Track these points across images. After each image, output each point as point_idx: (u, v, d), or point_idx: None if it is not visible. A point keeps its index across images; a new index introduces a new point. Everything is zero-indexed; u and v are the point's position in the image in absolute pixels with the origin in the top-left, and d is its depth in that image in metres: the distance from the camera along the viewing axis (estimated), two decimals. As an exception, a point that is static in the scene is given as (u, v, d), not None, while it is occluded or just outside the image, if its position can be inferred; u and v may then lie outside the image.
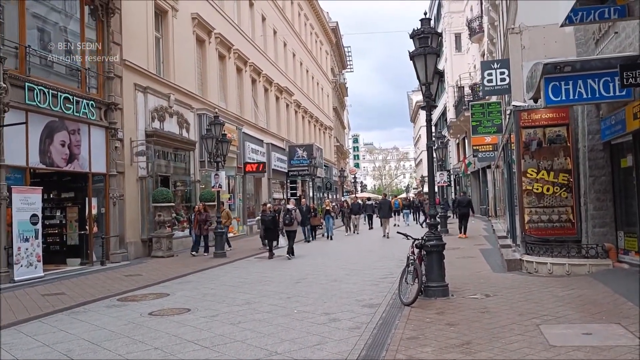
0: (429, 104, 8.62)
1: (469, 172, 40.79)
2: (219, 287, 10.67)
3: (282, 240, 16.60)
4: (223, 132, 17.74)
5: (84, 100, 14.23)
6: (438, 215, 30.45)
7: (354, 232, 26.08)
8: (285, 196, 33.53)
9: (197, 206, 18.40)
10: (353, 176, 64.81)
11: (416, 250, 8.64)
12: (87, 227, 14.76)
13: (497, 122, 15.72)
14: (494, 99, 17.77)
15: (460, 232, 20.45)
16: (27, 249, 11.86)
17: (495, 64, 11.71)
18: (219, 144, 17.12)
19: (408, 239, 8.79)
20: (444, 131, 51.33)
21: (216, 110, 22.19)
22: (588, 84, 7.66)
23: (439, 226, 8.87)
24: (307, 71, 43.53)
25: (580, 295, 8.10)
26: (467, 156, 40.34)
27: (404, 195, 78.32)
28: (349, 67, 71.91)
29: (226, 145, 17.48)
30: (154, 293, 10.25)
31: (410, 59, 8.46)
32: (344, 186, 56.30)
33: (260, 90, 30.45)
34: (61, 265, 14.52)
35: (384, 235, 22.49)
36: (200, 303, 8.96)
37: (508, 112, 11.04)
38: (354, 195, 39.60)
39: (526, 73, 10.20)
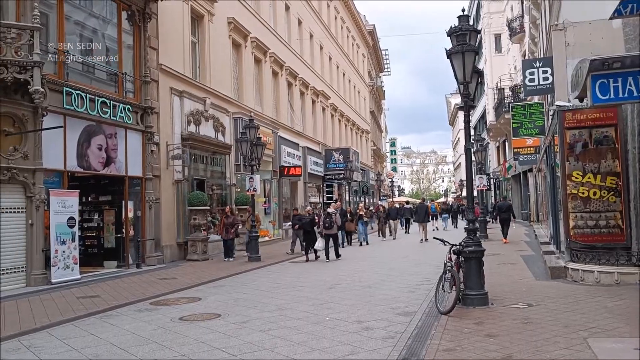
0: (467, 104, 8.26)
1: (509, 176, 39.74)
2: (251, 292, 10.53)
3: (320, 243, 16.68)
4: (258, 136, 17.68)
5: (121, 105, 14.36)
6: (476, 220, 30.11)
7: (392, 238, 25.16)
8: (321, 200, 33.36)
9: (227, 208, 17.98)
10: (390, 180, 64.19)
11: (454, 257, 8.29)
12: (123, 230, 14.87)
13: (539, 123, 15.11)
14: (535, 99, 17.17)
15: (504, 238, 20.02)
16: (64, 252, 12.00)
17: (538, 62, 11.19)
18: (254, 148, 17.05)
19: (445, 244, 8.45)
20: (483, 134, 50.37)
21: (252, 113, 22.19)
22: (639, 81, 7.17)
23: (477, 231, 8.49)
24: (344, 74, 43.31)
25: (630, 306, 7.59)
26: (507, 159, 39.33)
27: (442, 199, 77.24)
28: (386, 70, 71.44)
29: (261, 149, 17.40)
30: (186, 297, 10.18)
31: (447, 57, 8.14)
32: (381, 190, 55.74)
33: (296, 94, 30.40)
34: (98, 267, 14.70)
35: (422, 240, 22.33)
36: (231, 308, 8.82)
37: (551, 112, 10.55)
38: (390, 199, 39.09)
39: (570, 71, 9.73)
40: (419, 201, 28.33)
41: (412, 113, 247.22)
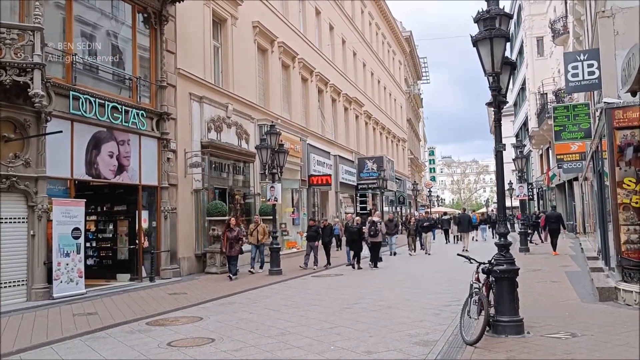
0: (497, 99, 7.13)
1: (553, 185, 37.72)
2: (259, 312, 9.57)
3: (366, 251, 17.75)
4: (280, 142, 16.82)
5: (134, 110, 13.74)
6: (517, 232, 28.51)
7: (426, 252, 21.80)
8: (355, 210, 32.26)
9: (231, 219, 15.12)
10: (428, 190, 62.49)
11: (482, 277, 7.14)
12: (137, 242, 14.19)
13: (584, 126, 13.69)
14: (580, 98, 15.75)
15: (554, 250, 18.62)
16: (67, 264, 11.34)
17: (582, 55, 9.85)
18: (275, 155, 16.18)
19: (471, 262, 7.29)
20: (525, 141, 48.27)
21: (278, 120, 21.41)
22: None
23: (510, 247, 7.32)
24: (379, 81, 42.23)
25: (699, 339, 6.29)
26: (550, 168, 37.36)
27: (483, 209, 74.78)
28: (424, 78, 69.93)
29: (283, 156, 16.52)
30: (187, 316, 9.31)
31: (474, 45, 7.04)
32: (418, 200, 54.16)
33: (327, 101, 29.52)
34: (111, 280, 14.06)
35: (464, 249, 21.87)
36: (229, 332, 7.87)
37: (598, 111, 9.27)
38: (424, 210, 37.76)
39: (620, 63, 8.47)
40: (460, 211, 27.63)
41: (452, 122, 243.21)
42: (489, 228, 33.61)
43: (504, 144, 7.42)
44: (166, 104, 15.02)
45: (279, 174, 16.61)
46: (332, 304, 10.08)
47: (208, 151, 16.84)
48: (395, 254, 20.88)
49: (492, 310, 6.97)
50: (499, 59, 6.87)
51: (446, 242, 30.05)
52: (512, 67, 7.65)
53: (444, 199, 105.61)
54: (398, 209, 43.05)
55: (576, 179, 30.43)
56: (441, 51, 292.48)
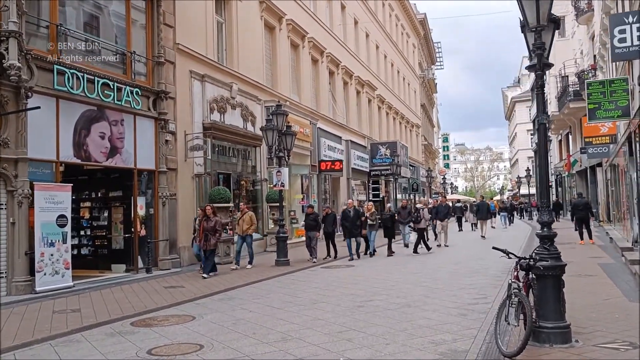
0: (541, 59, 5.91)
1: (573, 172, 36.22)
2: (259, 310, 8.48)
3: (412, 237, 17.95)
4: (287, 124, 15.67)
5: (128, 87, 12.64)
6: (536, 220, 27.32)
7: (444, 244, 19.57)
8: (367, 197, 31.07)
9: (207, 207, 12.91)
10: (442, 177, 61.03)
11: (521, 274, 5.98)
12: (132, 230, 13.17)
13: (622, 103, 12.37)
14: (609, 74, 14.40)
15: (581, 239, 17.53)
16: (52, 255, 10.33)
17: (631, 17, 8.55)
18: (282, 137, 15.04)
19: (509, 257, 6.11)
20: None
21: (287, 102, 20.25)
22: None
23: (555, 239, 6.14)
24: (392, 65, 40.77)
25: None
26: (572, 154, 35.87)
27: (497, 197, 73.17)
28: (438, 63, 68.15)
29: (291, 139, 15.36)
30: (178, 315, 8.24)
31: (514, -4, 5.82)
32: (432, 187, 52.77)
33: (338, 84, 28.25)
34: (105, 271, 13.11)
35: (482, 236, 22.50)
36: (222, 336, 6.79)
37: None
38: (439, 197, 36.47)
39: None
40: (479, 199, 26.94)
41: (466, 109, 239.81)
42: (508, 215, 33.33)
43: (547, 115, 6.20)
44: (164, 82, 13.92)
45: (286, 157, 15.48)
46: (342, 301, 8.96)
47: (210, 133, 15.74)
48: (408, 245, 19.40)
49: (533, 314, 5.81)
50: (545, 9, 5.65)
51: (459, 230, 29.22)
52: (555, 25, 6.40)
53: (457, 187, 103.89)
54: (411, 196, 41.72)
55: (599, 164, 29.02)
56: (455, 38, 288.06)
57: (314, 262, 15.04)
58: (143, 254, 13.17)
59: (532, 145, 62.56)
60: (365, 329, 6.89)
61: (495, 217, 31.77)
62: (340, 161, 24.95)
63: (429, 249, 17.47)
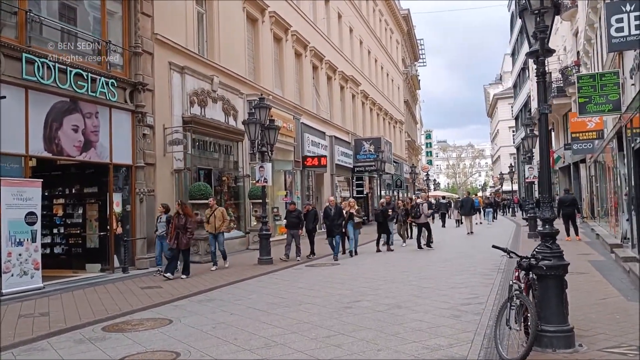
0: (544, 45, 5.53)
1: (556, 168, 36.25)
2: (241, 312, 8.00)
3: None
4: (271, 118, 15.18)
5: (103, 78, 12.03)
6: (526, 216, 27.25)
7: (424, 244, 17.77)
8: (351, 194, 30.69)
9: (177, 203, 12.49)
10: (425, 173, 60.92)
11: (522, 275, 5.60)
12: (108, 228, 12.57)
13: (612, 97, 12.12)
14: (593, 68, 14.18)
15: (567, 235, 17.31)
16: (20, 255, 9.70)
17: (629, 5, 8.24)
18: (265, 131, 14.55)
19: (510, 256, 5.72)
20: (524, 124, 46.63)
21: (270, 97, 19.72)
22: None
23: (556, 236, 5.76)
24: (376, 60, 40.43)
25: None
26: (555, 150, 35.89)
27: (480, 193, 73.33)
28: (421, 60, 67.98)
29: (274, 133, 14.88)
30: (155, 318, 7.74)
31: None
32: (416, 184, 52.65)
33: (322, 78, 27.79)
34: (80, 271, 12.51)
35: (469, 232, 22.64)
36: (201, 342, 6.31)
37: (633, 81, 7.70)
38: (425, 193, 36.50)
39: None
40: (465, 195, 26.98)
41: (448, 107, 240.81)
42: (492, 211, 33.57)
43: (549, 105, 5.84)
44: (141, 73, 13.33)
45: (269, 152, 14.99)
46: (328, 302, 8.52)
47: (190, 127, 15.18)
48: (351, 253, 18.42)
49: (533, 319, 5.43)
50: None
51: (442, 226, 29.13)
52: (555, 10, 6.02)
53: (439, 183, 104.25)
54: (395, 192, 41.47)
55: (583, 161, 29.01)
56: (437, 36, 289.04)
57: (298, 259, 14.53)
58: (119, 252, 12.59)
59: (514, 142, 62.83)
60: (355, 333, 6.46)
61: (480, 213, 31.65)
62: (324, 157, 24.53)
63: (420, 246, 17.13)
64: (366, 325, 6.84)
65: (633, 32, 8.09)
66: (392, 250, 16.77)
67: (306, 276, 11.94)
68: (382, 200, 18.87)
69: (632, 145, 11.04)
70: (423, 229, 17.34)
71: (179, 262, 11.89)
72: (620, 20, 8.22)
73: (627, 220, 13.54)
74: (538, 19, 5.43)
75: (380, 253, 16.37)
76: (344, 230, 15.62)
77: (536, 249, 5.65)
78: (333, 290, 9.73)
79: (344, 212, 15.71)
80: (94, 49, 12.31)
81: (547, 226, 5.74)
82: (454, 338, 6.11)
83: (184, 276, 11.56)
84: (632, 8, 8.07)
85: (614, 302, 7.74)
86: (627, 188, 14.08)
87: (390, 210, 17.95)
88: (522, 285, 5.46)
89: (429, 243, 17.22)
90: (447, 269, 12.19)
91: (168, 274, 11.34)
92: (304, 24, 24.99)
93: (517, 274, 5.55)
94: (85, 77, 11.54)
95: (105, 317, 7.79)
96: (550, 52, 5.73)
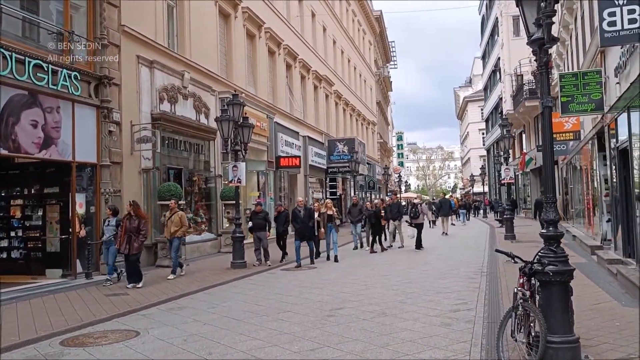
0: (550, 31, 5.11)
1: (527, 170, 36.50)
2: (215, 322, 7.40)
3: (410, 232, 17.94)
4: (244, 115, 14.58)
5: (65, 71, 11.24)
6: (501, 217, 27.31)
7: (399, 246, 18.07)
8: (323, 196, 30.21)
9: (128, 204, 11.13)
10: (397, 175, 60.93)
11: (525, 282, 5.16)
12: (70, 230, 11.77)
13: (595, 96, 11.93)
14: (580, 65, 14.00)
15: None
16: (-29, 260, 8.91)
17: (621, -1, 7.98)
18: (239, 129, 13.94)
19: (514, 261, 5.26)
20: (496, 126, 46.94)
21: (243, 95, 19.07)
22: None
23: (561, 239, 5.35)
24: (349, 61, 40.09)
25: None
26: (527, 152, 36.15)
27: (448, 195, 73.85)
28: (392, 62, 68.05)
29: (248, 131, 14.29)
30: (120, 330, 7.08)
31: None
32: (389, 185, 52.54)
33: (296, 77, 27.24)
34: (39, 277, 11.68)
35: (443, 233, 22.85)
36: (171, 357, 5.70)
37: (612, 80, 7.37)
38: (394, 194, 36.38)
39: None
40: (441, 196, 27.25)
41: (419, 109, 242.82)
42: (467, 212, 34.40)
43: (552, 98, 5.44)
44: (107, 67, 12.56)
45: (243, 151, 14.37)
46: (309, 310, 7.98)
47: (160, 125, 14.46)
48: (357, 248, 17.79)
49: (536, 327, 5.00)
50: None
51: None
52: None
53: (410, 185, 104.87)
54: (368, 194, 41.20)
55: (555, 162, 29.19)
56: (407, 39, 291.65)
57: (269, 264, 13.76)
58: (82, 257, 11.78)
59: (484, 144, 63.44)
60: (341, 345, 5.93)
61: (456, 214, 31.88)
62: (298, 157, 23.96)
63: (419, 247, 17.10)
64: (352, 336, 6.32)
65: (626, 26, 7.82)
66: (386, 250, 17.04)
67: (282, 281, 11.37)
68: (375, 200, 18.92)
69: (617, 145, 10.81)
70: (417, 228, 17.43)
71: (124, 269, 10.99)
72: (612, 14, 7.94)
73: (608, 221, 13.39)
74: (543, 3, 5.00)
75: (358, 256, 15.91)
76: (317, 233, 14.83)
77: (539, 253, 5.22)
78: (313, 296, 9.20)
79: (321, 213, 15.16)
80: (56, 39, 11.51)
81: (551, 228, 5.30)
82: (449, 350, 5.65)
83: (132, 285, 10.39)
84: (625, 1, 7.79)
85: (609, 307, 7.41)
86: (606, 189, 13.96)
87: (358, 212, 17.54)
88: (528, 293, 5.02)
89: (419, 244, 17.16)
90: (430, 273, 11.77)
91: (131, 284, 10.44)
92: (277, 21, 24.41)
93: (521, 280, 5.11)
94: (46, 69, 10.74)
95: (65, 329, 7.09)
96: (555, 40, 5.32)
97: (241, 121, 14.04)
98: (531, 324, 4.93)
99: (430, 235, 23.26)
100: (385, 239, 18.12)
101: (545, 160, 5.45)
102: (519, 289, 5.02)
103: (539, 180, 35.26)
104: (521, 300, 4.89)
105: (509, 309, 5.03)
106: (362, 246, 17.98)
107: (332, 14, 35.06)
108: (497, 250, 5.61)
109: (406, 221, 18.26)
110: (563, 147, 22.13)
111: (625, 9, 7.80)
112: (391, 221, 18.33)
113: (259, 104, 21.19)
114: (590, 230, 16.64)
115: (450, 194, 54.95)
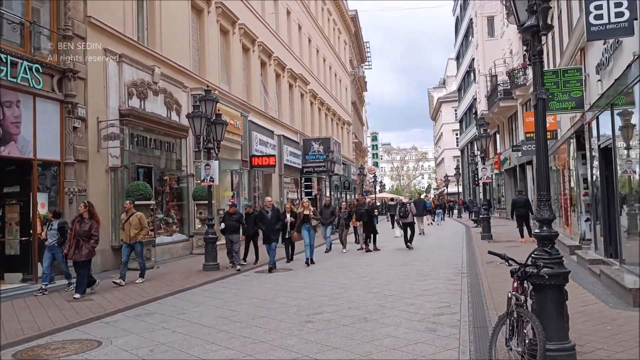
0: (546, 17, 4.80)
1: (502, 170, 36.66)
2: (185, 330, 6.91)
3: (398, 232, 17.93)
4: (218, 112, 14.07)
5: (25, 63, 10.58)
6: (477, 217, 27.34)
7: (359, 248, 17.60)
8: (298, 196, 29.77)
9: (81, 205, 10.01)
10: (372, 175, 60.83)
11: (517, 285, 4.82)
12: (31, 232, 11.10)
13: (575, 94, 11.78)
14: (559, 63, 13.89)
15: (522, 237, 17.35)
16: None
17: (609, -9, 7.77)
18: (212, 126, 13.43)
19: (508, 263, 4.92)
20: (471, 126, 47.20)
21: (216, 92, 18.52)
22: None
23: (555, 240, 5.03)
24: (325, 60, 39.73)
25: None
26: (501, 152, 36.30)
27: (422, 196, 74.14)
28: (367, 62, 67.98)
29: (221, 128, 13.78)
30: (80, 340, 6.54)
31: None
32: (364, 186, 52.36)
33: (270, 75, 26.73)
34: (-3, 281, 10.96)
35: (420, 232, 22.47)
36: (136, 370, 5.22)
37: (636, 57, 7.14)
38: (361, 194, 36.28)
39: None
40: (417, 196, 27.26)
41: (393, 110, 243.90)
42: (443, 212, 34.87)
43: (546, 89, 5.14)
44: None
45: (216, 150, 13.86)
46: (286, 315, 7.55)
47: (128, 121, 13.85)
48: (328, 251, 16.96)
49: (529, 334, 4.67)
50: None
51: (392, 228, 28.54)
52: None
53: (385, 185, 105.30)
54: (343, 194, 40.91)
55: (529, 162, 29.28)
56: (382, 40, 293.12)
57: (238, 269, 12.90)
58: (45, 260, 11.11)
59: (457, 145, 63.85)
60: (321, 354, 5.52)
61: (432, 214, 31.91)
62: (273, 156, 23.46)
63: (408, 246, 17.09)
64: (333, 344, 5.91)
65: (613, 19, 7.60)
66: (379, 250, 16.87)
67: (257, 284, 10.90)
68: (368, 199, 19.11)
69: (599, 143, 10.64)
70: (408, 228, 17.29)
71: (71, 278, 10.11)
72: (599, 7, 7.71)
73: (586, 221, 13.27)
74: (538, -11, 4.68)
75: (334, 258, 15.52)
76: (288, 235, 14.26)
77: (533, 255, 4.90)
78: (289, 300, 8.77)
79: (298, 213, 14.65)
80: (16, 30, 10.86)
81: (545, 228, 4.99)
82: (437, 357, 5.28)
83: (78, 296, 9.26)
84: (612, -6, 7.58)
85: (597, 309, 7.15)
86: (585, 188, 13.84)
87: (330, 213, 17.16)
88: (522, 298, 4.68)
89: (408, 242, 17.14)
90: (408, 274, 11.44)
91: (78, 294, 9.32)
92: (252, 17, 23.89)
93: (515, 284, 4.76)
94: (4, 60, 10.08)
95: (20, 339, 6.53)
96: (550, 27, 5.01)
97: (214, 118, 13.52)
98: (525, 331, 4.59)
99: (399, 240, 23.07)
100: (357, 240, 17.81)
101: (539, 155, 5.16)
102: (513, 293, 4.67)
103: (513, 180, 35.45)
104: (515, 306, 4.54)
105: (502, 315, 4.69)
106: (330, 249, 17.29)
107: (308, 13, 34.66)
108: (490, 252, 5.27)
109: (396, 220, 18.07)
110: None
111: (611, 2, 7.58)
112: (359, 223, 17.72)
113: (233, 102, 20.66)
114: (567, 230, 16.56)
115: (425, 194, 55.18)
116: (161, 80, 15.70)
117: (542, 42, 5.09)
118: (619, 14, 7.59)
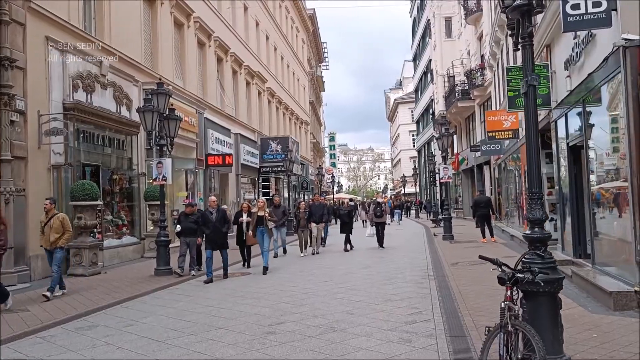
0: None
1: (459, 170, 36.85)
2: (132, 345, 6.15)
3: (370, 231, 17.94)
4: (171, 107, 13.24)
5: (-46, 48, 9.56)
6: (436, 217, 27.27)
7: (313, 251, 16.34)
8: (255, 196, 28.97)
9: None
10: (330, 176, 60.50)
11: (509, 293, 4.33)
12: (-39, 236, 10.03)
13: (542, 91, 11.53)
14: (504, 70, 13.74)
15: (483, 237, 17.18)
16: None
17: (586, -20, 7.47)
18: (164, 122, 12.59)
19: (501, 268, 4.38)
20: (428, 127, 47.50)
21: (170, 87, 17.60)
22: None
23: (548, 242, 4.58)
24: (282, 58, 39.05)
25: None
26: (459, 152, 36.50)
27: (380, 198, 74.44)
28: (325, 63, 67.64)
29: (174, 124, 12.97)
30: (9, 360, 5.72)
31: None
32: (322, 186, 51.92)
33: (227, 72, 25.86)
34: None
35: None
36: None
37: (615, 48, 6.82)
38: (316, 194, 35.92)
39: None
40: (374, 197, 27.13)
41: (349, 111, 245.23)
42: (402, 212, 35.21)
43: (537, 76, 4.69)
44: (9, 47, 10.88)
45: (169, 147, 13.02)
46: (245, 326, 6.87)
47: (73, 116, 12.84)
48: (285, 251, 16.26)
49: (520, 346, 4.18)
50: None
51: (364, 227, 28.51)
52: None
53: (342, 186, 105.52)
54: (301, 195, 40.34)
55: (486, 162, 29.45)
56: (338, 41, 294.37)
57: (193, 273, 11.95)
58: (-23, 266, 10.08)
59: (414, 145, 64.31)
60: (287, 372, 4.91)
61: (391, 214, 31.80)
62: (230, 155, 22.65)
63: (350, 247, 17.09)
64: (300, 357, 5.29)
65: (590, 9, 7.30)
66: (353, 248, 17.06)
67: (213, 290, 10.16)
68: (352, 203, 19.59)
69: (568, 141, 10.41)
70: (380, 227, 17.41)
71: None
72: (576, -3, 7.43)
73: (551, 221, 13.10)
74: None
75: (294, 260, 14.89)
76: (244, 237, 13.24)
77: (523, 258, 4.42)
78: (248, 308, 8.09)
79: (252, 214, 13.65)
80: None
81: (536, 229, 4.53)
82: (416, 375, 4.75)
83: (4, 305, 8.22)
84: (589, -17, 7.27)
85: (577, 314, 6.78)
86: (549, 187, 13.71)
87: (281, 214, 15.75)
88: (517, 308, 4.19)
89: (381, 242, 17.34)
90: (373, 277, 10.93)
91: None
92: (208, 11, 23.00)
93: (508, 292, 4.26)
94: None
95: (-64, 361, 5.65)
96: (543, 6, 4.56)
97: (167, 113, 12.70)
98: (517, 344, 4.09)
99: (364, 236, 22.64)
100: (309, 245, 16.52)
101: (529, 148, 4.70)
102: (507, 302, 4.16)
103: (470, 180, 35.69)
104: (510, 317, 4.03)
105: (494, 328, 4.16)
106: (285, 252, 16.25)
107: (266, 9, 33.92)
108: (481, 257, 4.76)
109: (370, 219, 18.09)
110: (497, 146, 22.15)
111: (589, -9, 7.24)
112: (314, 225, 16.46)
113: (188, 98, 19.77)
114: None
115: (383, 195, 55.25)
116: (110, 72, 14.71)
117: (534, 23, 4.63)
118: (596, 4, 7.29)
